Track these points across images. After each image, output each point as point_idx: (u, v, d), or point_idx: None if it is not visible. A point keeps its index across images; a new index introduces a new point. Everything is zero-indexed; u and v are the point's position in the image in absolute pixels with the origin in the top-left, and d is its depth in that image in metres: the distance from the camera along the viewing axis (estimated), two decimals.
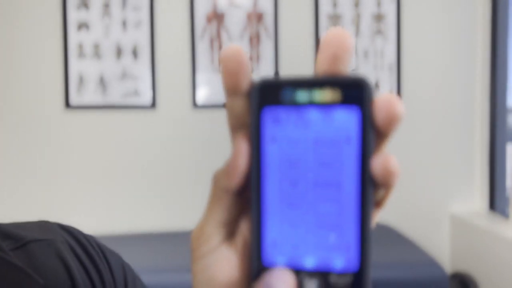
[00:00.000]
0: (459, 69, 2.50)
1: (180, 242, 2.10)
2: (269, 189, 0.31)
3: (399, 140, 2.40)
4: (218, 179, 0.32)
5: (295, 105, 0.31)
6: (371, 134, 0.29)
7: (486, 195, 2.50)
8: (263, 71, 2.39)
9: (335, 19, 2.43)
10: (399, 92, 2.46)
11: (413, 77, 2.48)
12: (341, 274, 0.30)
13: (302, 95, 0.31)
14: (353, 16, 2.45)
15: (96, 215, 2.37)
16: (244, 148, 0.31)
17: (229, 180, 0.31)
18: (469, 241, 2.39)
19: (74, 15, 2.32)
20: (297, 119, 0.31)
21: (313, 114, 0.31)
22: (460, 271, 2.39)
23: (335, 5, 2.43)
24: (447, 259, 2.50)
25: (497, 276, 2.15)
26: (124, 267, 0.55)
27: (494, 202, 2.48)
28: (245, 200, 0.33)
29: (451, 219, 2.52)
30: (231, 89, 0.31)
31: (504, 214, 2.41)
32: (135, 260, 0.89)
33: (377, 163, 0.29)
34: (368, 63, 2.45)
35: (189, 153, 2.40)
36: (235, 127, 0.33)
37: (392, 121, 0.29)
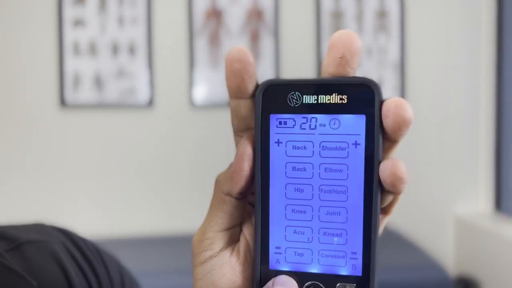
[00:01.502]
0: (464, 66, 2.48)
1: (178, 244, 2.07)
2: (274, 194, 0.31)
3: (402, 140, 2.37)
4: (220, 182, 0.32)
5: (302, 108, 0.30)
6: (379, 139, 0.29)
7: (491, 195, 2.48)
8: (264, 69, 2.36)
9: (337, 15, 2.39)
10: (403, 90, 2.43)
11: (417, 74, 2.45)
12: (346, 281, 0.29)
13: (308, 98, 0.30)
14: (356, 13, 2.41)
15: (91, 217, 2.34)
16: (248, 152, 0.31)
17: (232, 184, 0.31)
18: (475, 243, 2.36)
19: (69, 12, 2.28)
20: (303, 123, 0.30)
21: (320, 118, 0.30)
22: (465, 274, 2.36)
23: (337, 1, 2.39)
24: (452, 262, 2.47)
25: (503, 279, 2.12)
26: (122, 270, 0.54)
27: (500, 202, 2.45)
28: (248, 204, 0.33)
29: (455, 220, 2.49)
30: (235, 91, 0.31)
31: (510, 214, 2.38)
32: (132, 263, 0.87)
33: (385, 169, 0.28)
34: (371, 61, 2.41)
35: (188, 153, 2.37)
36: (239, 129, 0.32)
37: (401, 126, 0.28)
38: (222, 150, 2.01)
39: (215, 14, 2.35)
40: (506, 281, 2.09)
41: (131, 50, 2.32)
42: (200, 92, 2.36)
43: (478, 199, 2.51)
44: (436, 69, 2.47)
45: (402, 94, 2.41)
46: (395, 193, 0.29)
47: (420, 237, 2.40)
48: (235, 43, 2.33)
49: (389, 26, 2.42)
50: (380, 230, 0.31)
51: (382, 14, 2.42)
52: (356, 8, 2.41)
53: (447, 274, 1.90)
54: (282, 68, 2.38)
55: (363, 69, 2.39)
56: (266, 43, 2.37)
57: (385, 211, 0.31)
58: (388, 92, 2.40)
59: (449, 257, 2.47)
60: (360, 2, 2.41)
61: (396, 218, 2.34)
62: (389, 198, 0.30)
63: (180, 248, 1.91)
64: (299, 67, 2.38)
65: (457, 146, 2.49)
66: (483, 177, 2.50)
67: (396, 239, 2.19)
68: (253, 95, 0.31)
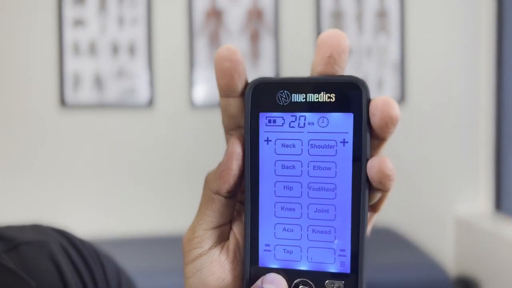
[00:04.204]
0: (464, 67, 2.47)
1: (176, 244, 2.07)
2: (263, 192, 0.31)
3: (402, 140, 2.37)
4: (210, 181, 0.32)
5: (290, 107, 0.30)
6: (367, 137, 0.29)
7: (491, 195, 2.47)
8: (263, 69, 2.36)
9: (337, 15, 2.39)
10: (403, 90, 2.42)
11: (417, 75, 2.45)
12: (335, 278, 0.30)
13: (297, 97, 0.30)
14: (356, 13, 2.41)
15: (91, 217, 2.34)
16: (237, 151, 0.31)
17: (221, 183, 0.31)
18: (475, 243, 2.35)
19: (69, 12, 2.28)
20: (292, 121, 0.30)
21: (308, 116, 0.30)
22: (465, 274, 2.36)
23: (337, 1, 2.39)
24: (452, 262, 2.47)
25: (503, 279, 2.11)
26: (119, 272, 0.54)
27: (500, 202, 2.45)
28: (237, 202, 0.33)
29: (455, 220, 2.49)
30: (225, 90, 0.31)
31: (510, 214, 2.37)
32: (130, 263, 0.88)
33: (372, 166, 0.28)
34: (371, 61, 2.41)
35: (187, 153, 2.37)
36: (229, 128, 0.32)
37: (388, 124, 0.28)
38: (221, 150, 2.01)
39: (215, 14, 2.35)
40: (506, 281, 2.09)
41: (131, 50, 2.32)
42: (200, 92, 2.36)
43: (478, 199, 2.50)
44: (436, 69, 2.46)
45: (402, 94, 2.41)
46: (383, 190, 0.29)
47: (420, 237, 2.40)
48: (235, 43, 2.33)
49: (389, 26, 2.42)
50: (369, 227, 0.31)
51: (382, 14, 2.42)
52: (356, 8, 2.41)
53: (447, 274, 1.90)
54: (282, 68, 2.38)
55: (363, 69, 2.39)
56: (266, 43, 2.37)
57: (374, 208, 0.32)
58: (388, 92, 2.40)
59: (449, 257, 2.46)
60: (360, 2, 2.40)
61: (396, 218, 2.34)
62: (377, 196, 0.31)
63: (178, 248, 1.91)
64: (299, 67, 2.37)
65: (457, 146, 2.49)
66: (483, 177, 2.49)
67: (396, 239, 2.18)
68: (242, 94, 0.31)
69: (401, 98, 2.40)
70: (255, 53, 2.36)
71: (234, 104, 0.31)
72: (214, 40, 2.35)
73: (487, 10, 2.45)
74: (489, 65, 2.45)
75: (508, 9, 2.39)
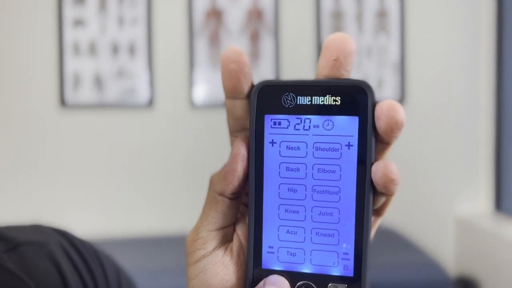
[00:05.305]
0: (464, 67, 2.47)
1: (176, 244, 2.07)
2: (268, 193, 0.31)
3: (402, 140, 2.37)
4: (214, 182, 0.32)
5: (296, 109, 0.30)
6: (372, 141, 0.29)
7: (491, 195, 2.47)
8: (263, 69, 2.35)
9: (337, 15, 2.39)
10: (403, 90, 2.42)
11: (417, 74, 2.45)
12: (338, 281, 0.30)
13: (303, 100, 0.30)
14: (356, 13, 2.41)
15: (91, 217, 2.34)
16: (242, 152, 0.31)
17: (225, 184, 0.31)
18: (475, 243, 2.35)
19: (69, 12, 2.28)
20: (297, 124, 0.30)
21: (314, 119, 0.30)
22: (465, 274, 2.36)
23: (337, 1, 2.39)
24: (452, 262, 2.47)
25: (503, 279, 2.11)
26: (119, 272, 0.54)
27: (500, 202, 2.45)
28: (241, 204, 0.33)
29: (455, 220, 2.49)
30: (231, 91, 0.31)
31: (510, 214, 2.37)
32: (130, 263, 0.88)
33: (377, 170, 0.29)
34: (371, 61, 2.41)
35: (187, 153, 2.37)
36: (235, 129, 0.32)
37: (393, 128, 0.28)
38: (221, 150, 2.01)
39: (215, 14, 2.35)
40: (506, 281, 2.09)
41: (131, 50, 2.32)
42: (200, 92, 2.36)
43: (478, 199, 2.51)
44: (436, 69, 2.47)
45: (402, 94, 2.41)
46: (387, 194, 0.29)
47: (420, 237, 2.40)
48: (235, 43, 2.33)
49: (389, 26, 2.42)
50: (373, 231, 0.31)
51: (382, 14, 2.42)
52: (356, 8, 2.41)
53: (447, 274, 1.90)
54: (282, 68, 2.38)
55: (363, 69, 2.39)
56: (266, 43, 2.37)
57: (378, 212, 0.32)
58: (388, 92, 2.40)
59: (449, 257, 2.46)
60: (360, 2, 2.40)
61: (397, 218, 2.34)
62: (382, 200, 0.31)
63: (178, 248, 1.91)
64: (299, 67, 2.38)
65: (457, 146, 2.49)
66: (483, 177, 2.50)
67: (396, 239, 2.18)
68: (248, 96, 0.31)
69: (401, 98, 2.40)
70: (255, 53, 2.36)
71: (240, 106, 0.31)
72: (214, 40, 2.35)
73: (487, 10, 2.45)
74: (489, 65, 2.45)
75: (508, 9, 2.39)
